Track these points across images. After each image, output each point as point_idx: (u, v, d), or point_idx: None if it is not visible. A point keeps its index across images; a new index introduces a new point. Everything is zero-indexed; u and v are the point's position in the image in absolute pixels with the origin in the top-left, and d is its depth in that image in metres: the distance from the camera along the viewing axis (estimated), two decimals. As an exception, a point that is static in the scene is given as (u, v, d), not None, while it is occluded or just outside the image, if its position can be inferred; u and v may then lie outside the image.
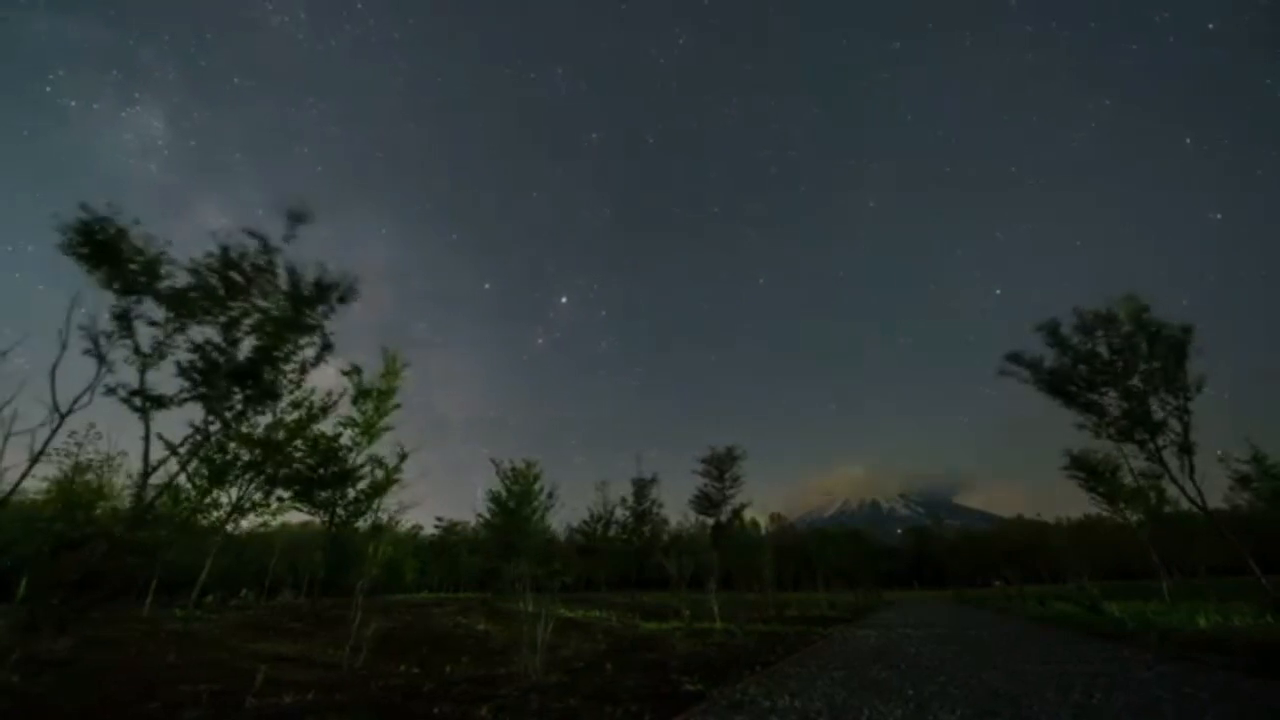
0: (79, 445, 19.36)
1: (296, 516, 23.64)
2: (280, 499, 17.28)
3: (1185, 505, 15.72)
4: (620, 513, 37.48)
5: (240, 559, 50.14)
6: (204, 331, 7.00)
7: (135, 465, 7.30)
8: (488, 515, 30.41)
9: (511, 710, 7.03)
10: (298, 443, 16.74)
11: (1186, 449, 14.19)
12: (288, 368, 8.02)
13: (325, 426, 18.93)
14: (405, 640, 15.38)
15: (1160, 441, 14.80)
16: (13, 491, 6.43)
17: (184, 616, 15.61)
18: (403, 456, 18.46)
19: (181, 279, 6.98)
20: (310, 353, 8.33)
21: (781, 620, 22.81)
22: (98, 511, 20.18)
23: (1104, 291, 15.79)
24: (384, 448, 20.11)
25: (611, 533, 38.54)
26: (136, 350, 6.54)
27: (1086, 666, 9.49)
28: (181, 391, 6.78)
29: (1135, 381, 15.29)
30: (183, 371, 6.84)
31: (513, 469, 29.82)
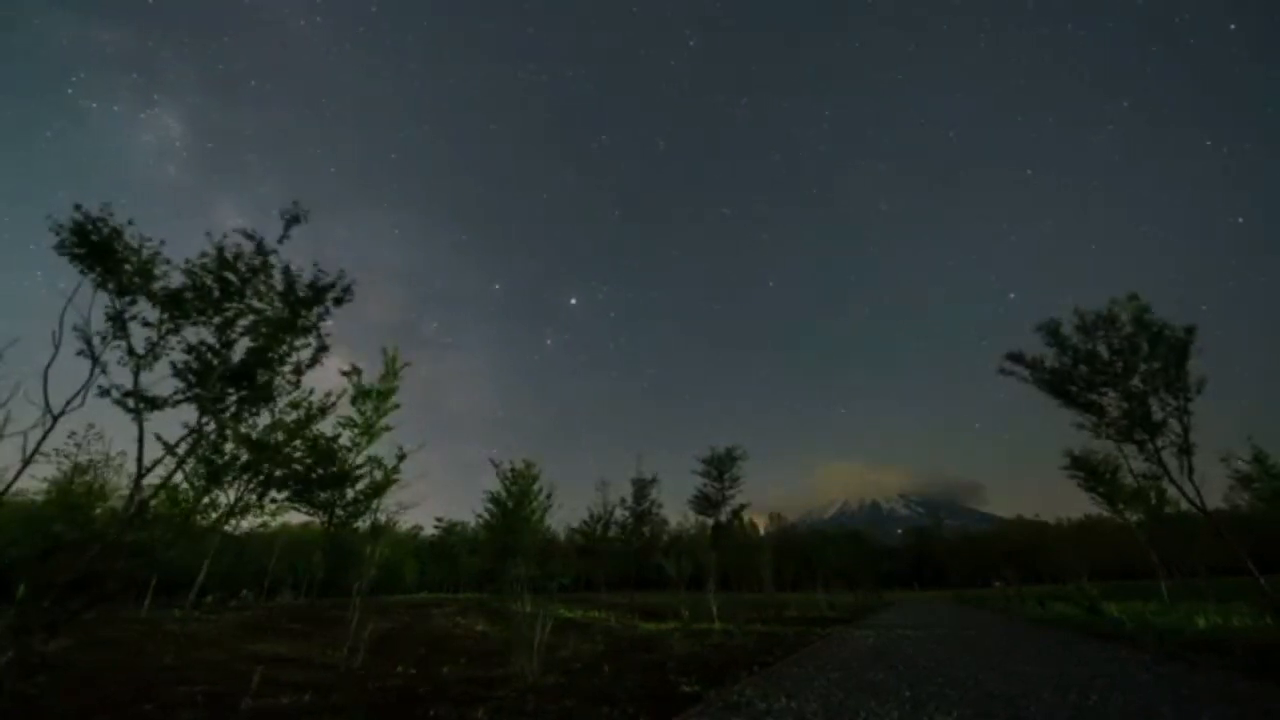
0: (78, 446, 19.40)
1: (296, 517, 23.63)
2: (274, 500, 17.24)
3: (1185, 506, 15.69)
4: (620, 513, 37.48)
5: (240, 559, 50.18)
6: (198, 332, 7.00)
7: (133, 466, 7.27)
8: (486, 516, 30.39)
9: (508, 712, 7.01)
10: (296, 443, 16.70)
11: (1186, 450, 14.17)
12: (283, 369, 8.00)
13: (325, 427, 18.92)
14: (403, 641, 15.38)
15: (1160, 442, 14.79)
16: (4, 493, 6.42)
17: (182, 617, 15.62)
18: (401, 457, 18.42)
19: (176, 280, 6.98)
20: (306, 354, 8.31)
21: (780, 621, 22.79)
22: (97, 511, 20.19)
23: (1120, 296, 15.70)
24: (383, 448, 20.09)
25: (611, 533, 38.53)
26: (130, 351, 6.52)
27: (1084, 668, 9.48)
28: (176, 393, 6.77)
29: (1136, 382, 15.28)
30: (177, 373, 6.82)
31: (512, 469, 29.81)
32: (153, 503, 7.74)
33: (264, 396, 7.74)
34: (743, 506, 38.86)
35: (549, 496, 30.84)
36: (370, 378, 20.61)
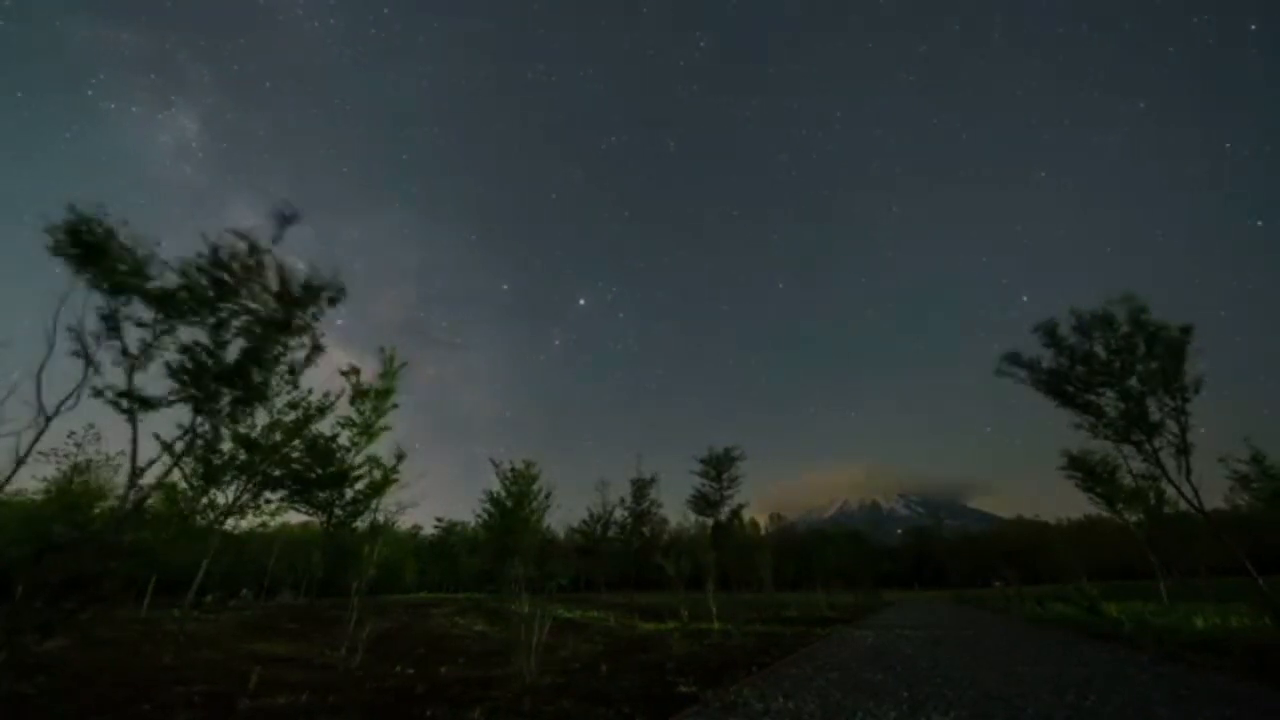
0: (78, 446, 19.40)
1: (296, 517, 23.65)
2: (268, 500, 17.24)
3: (1184, 506, 15.70)
4: (619, 513, 37.49)
5: (240, 559, 50.13)
6: (193, 333, 7.00)
7: (130, 466, 7.26)
8: (485, 516, 30.37)
9: (504, 712, 7.01)
10: (295, 443, 16.75)
11: (1183, 450, 14.18)
12: (278, 369, 7.99)
13: (324, 427, 18.94)
14: (402, 641, 15.38)
15: (1157, 443, 14.79)
16: None
17: (181, 617, 15.62)
18: (400, 457, 18.44)
19: (171, 280, 6.97)
20: (300, 354, 8.30)
21: (780, 621, 22.78)
22: (97, 511, 20.19)
23: (1116, 295, 15.63)
24: (383, 448, 20.10)
25: (611, 533, 38.53)
26: (124, 352, 6.51)
27: (1082, 668, 9.47)
28: (170, 393, 6.76)
29: (1133, 382, 15.27)
30: (172, 373, 6.82)
31: (512, 469, 29.80)
32: (149, 502, 7.73)
33: (259, 397, 7.73)
34: (741, 506, 38.82)
35: (548, 496, 30.83)
36: (367, 377, 20.60)
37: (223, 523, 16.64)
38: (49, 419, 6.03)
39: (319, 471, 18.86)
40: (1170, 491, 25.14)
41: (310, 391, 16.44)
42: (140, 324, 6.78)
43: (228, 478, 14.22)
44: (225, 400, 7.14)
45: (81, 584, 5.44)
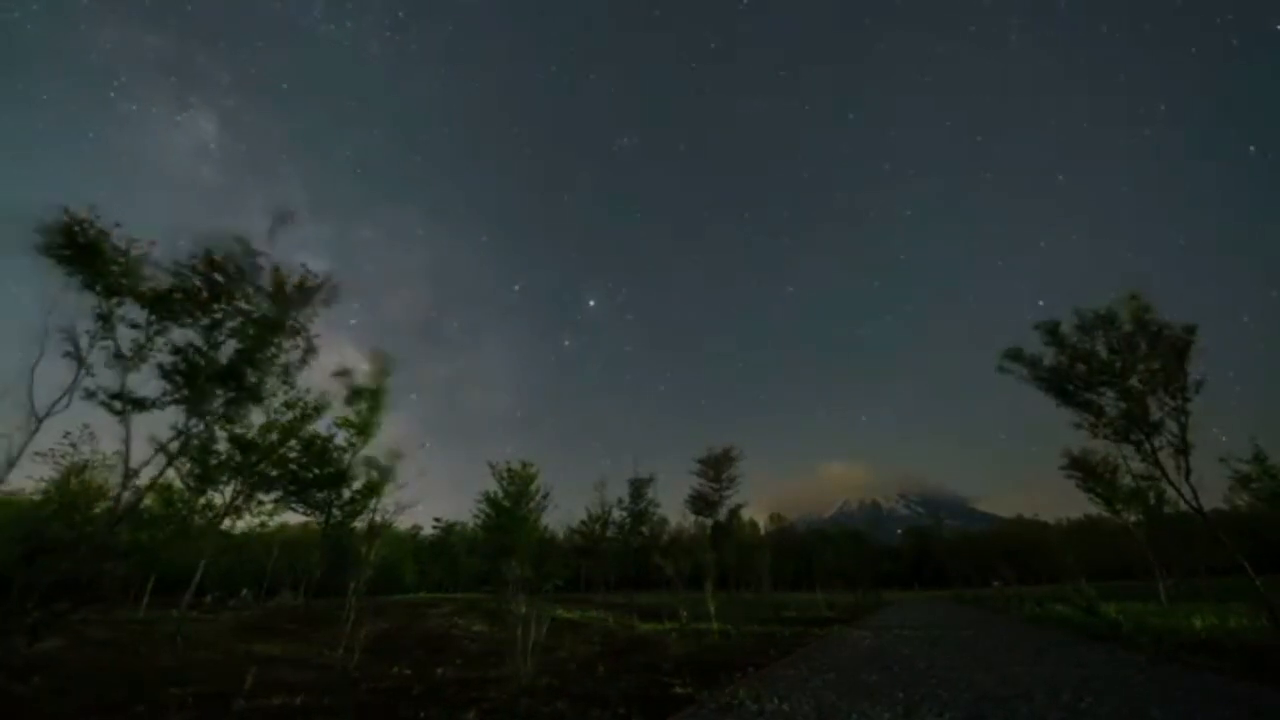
0: (74, 446, 19.37)
1: (295, 517, 23.65)
2: (260, 502, 17.24)
3: (1184, 506, 15.67)
4: (618, 513, 37.46)
5: (239, 559, 50.15)
6: (185, 334, 6.98)
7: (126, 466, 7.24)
8: (482, 517, 30.33)
9: (499, 713, 7.00)
10: (292, 443, 16.73)
11: (1183, 450, 14.13)
12: (272, 371, 7.98)
13: (321, 427, 18.92)
14: (400, 641, 15.37)
15: (1157, 442, 14.74)
16: None
17: (180, 617, 15.63)
18: (397, 457, 18.42)
19: (164, 281, 6.95)
20: (295, 355, 8.28)
21: (779, 621, 22.77)
22: (96, 511, 20.18)
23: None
24: (381, 449, 20.08)
25: (610, 533, 38.52)
26: (117, 353, 6.50)
27: (1080, 669, 9.45)
28: (164, 394, 6.75)
29: (1134, 381, 15.22)
30: (165, 374, 6.81)
31: (509, 470, 29.77)
32: (146, 503, 7.73)
33: (253, 398, 7.71)
34: (740, 506, 38.80)
35: (545, 497, 30.79)
36: (360, 378, 20.51)
37: (220, 523, 16.65)
38: (41, 420, 6.02)
39: (316, 472, 18.84)
40: (1170, 492, 25.11)
41: (307, 391, 16.43)
42: (133, 325, 6.78)
43: (224, 478, 14.21)
44: (218, 401, 7.13)
45: (74, 585, 5.43)
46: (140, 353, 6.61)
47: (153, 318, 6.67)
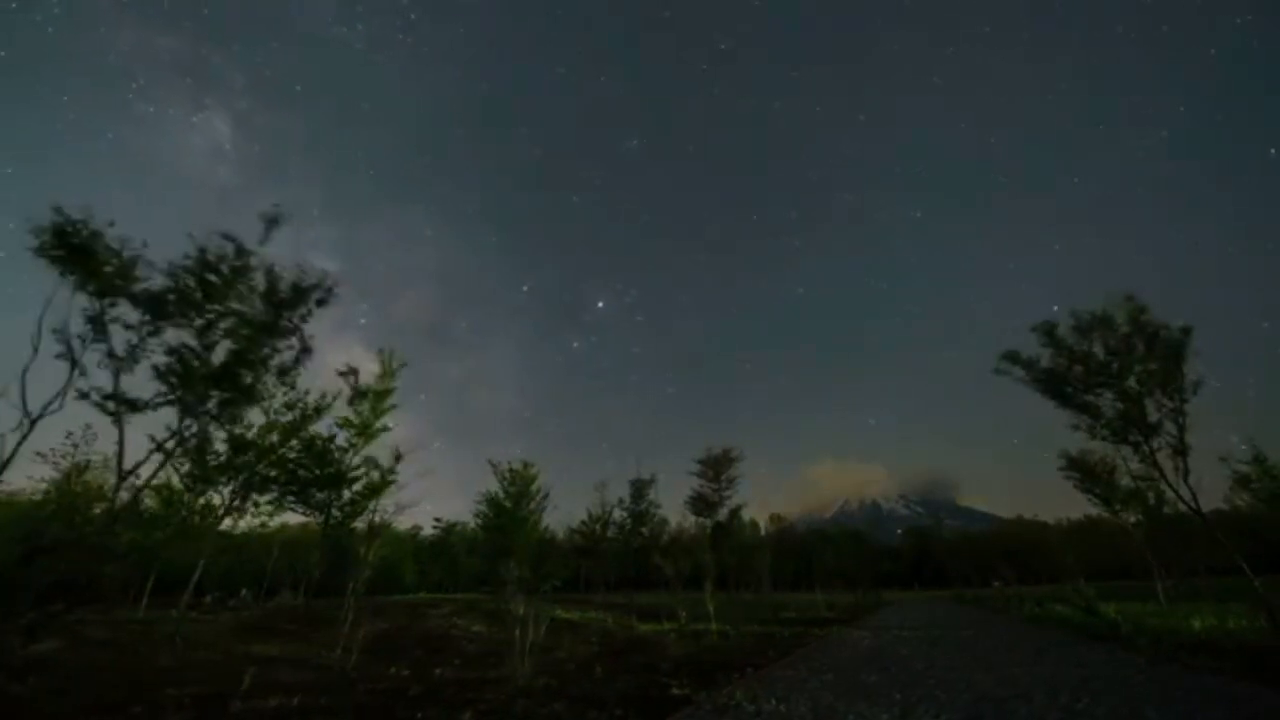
0: (75, 447, 19.38)
1: (295, 517, 23.62)
2: (256, 503, 17.22)
3: (1183, 507, 15.68)
4: (618, 514, 37.44)
5: (239, 559, 50.14)
6: (180, 335, 6.97)
7: (127, 467, 7.23)
8: (482, 517, 30.32)
9: (496, 714, 7.00)
10: (292, 443, 16.74)
11: (1181, 451, 14.13)
12: (267, 371, 7.97)
13: (322, 428, 18.93)
14: (399, 642, 15.36)
15: (1155, 443, 14.75)
16: None
17: (179, 618, 15.62)
18: (398, 458, 18.40)
19: (158, 282, 6.94)
20: (289, 356, 8.27)
21: (778, 621, 22.77)
22: (95, 512, 20.19)
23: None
24: (381, 449, 20.08)
25: (610, 534, 38.50)
26: (111, 354, 6.49)
27: (1078, 669, 9.45)
28: (157, 395, 6.75)
29: (1131, 382, 15.22)
30: (159, 375, 6.80)
31: (510, 470, 29.77)
32: (146, 503, 7.73)
33: (248, 398, 7.71)
34: (740, 507, 38.75)
35: (545, 497, 30.79)
36: (366, 378, 20.53)
37: (220, 523, 16.64)
38: (34, 421, 6.01)
39: (316, 472, 18.83)
40: (1169, 492, 25.09)
41: (307, 392, 16.43)
42: (127, 326, 6.78)
43: (223, 479, 14.19)
44: (213, 402, 7.12)
45: (72, 585, 5.43)
46: (134, 353, 6.61)
47: (146, 318, 6.68)
